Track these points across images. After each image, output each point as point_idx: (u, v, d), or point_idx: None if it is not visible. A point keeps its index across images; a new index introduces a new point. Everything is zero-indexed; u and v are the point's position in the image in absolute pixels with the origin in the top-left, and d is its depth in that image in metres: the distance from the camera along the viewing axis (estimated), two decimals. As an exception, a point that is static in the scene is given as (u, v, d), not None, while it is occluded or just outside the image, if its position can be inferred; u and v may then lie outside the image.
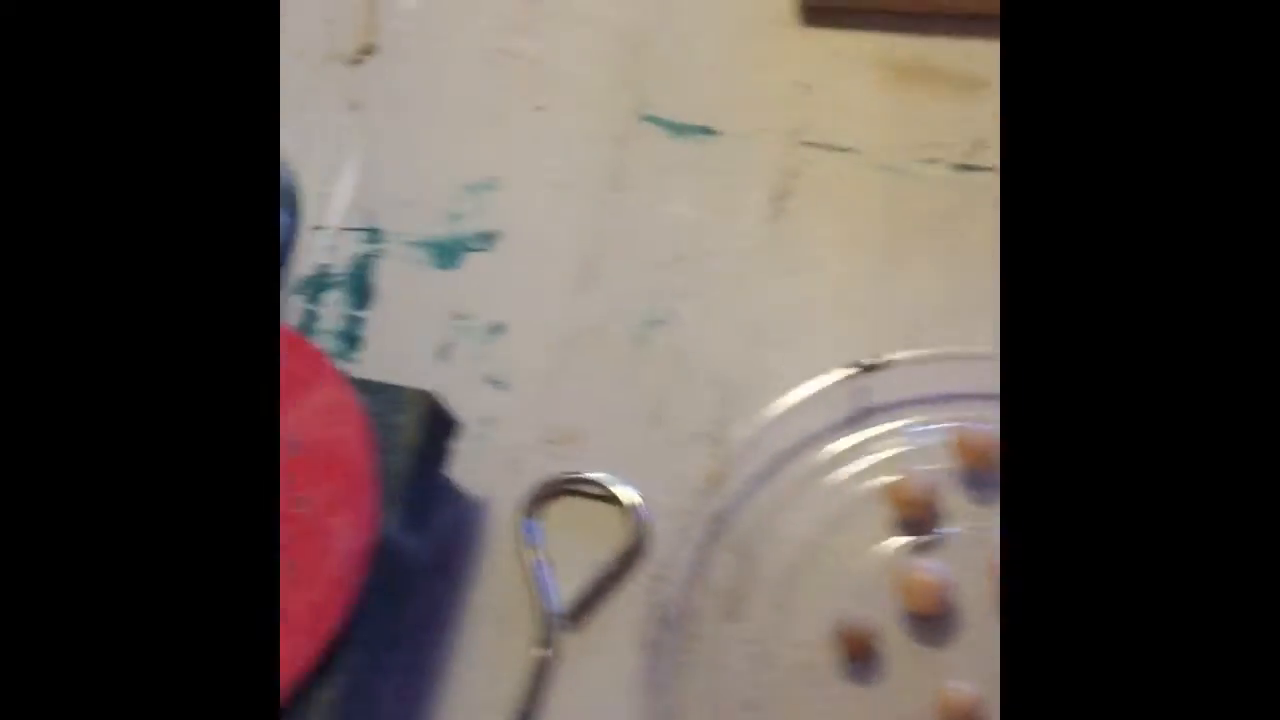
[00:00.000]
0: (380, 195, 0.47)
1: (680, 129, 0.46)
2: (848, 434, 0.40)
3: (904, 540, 0.38)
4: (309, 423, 0.37)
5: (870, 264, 0.43)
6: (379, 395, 0.38)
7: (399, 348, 0.45)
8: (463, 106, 0.48)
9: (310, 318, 0.45)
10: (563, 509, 0.41)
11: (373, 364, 0.44)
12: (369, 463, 0.37)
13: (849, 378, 0.40)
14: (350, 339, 0.45)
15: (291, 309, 0.46)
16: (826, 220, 0.43)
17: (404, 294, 0.46)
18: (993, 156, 0.43)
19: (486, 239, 0.46)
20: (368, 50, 0.50)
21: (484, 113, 0.48)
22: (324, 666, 0.35)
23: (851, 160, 0.44)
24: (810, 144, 0.45)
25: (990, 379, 0.38)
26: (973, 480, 0.39)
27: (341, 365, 0.41)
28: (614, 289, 0.44)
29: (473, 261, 0.46)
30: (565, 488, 0.41)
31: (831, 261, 0.43)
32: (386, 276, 0.46)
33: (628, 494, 0.40)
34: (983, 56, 0.44)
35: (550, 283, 0.45)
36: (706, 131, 0.46)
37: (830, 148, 0.44)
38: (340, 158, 0.48)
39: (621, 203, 0.45)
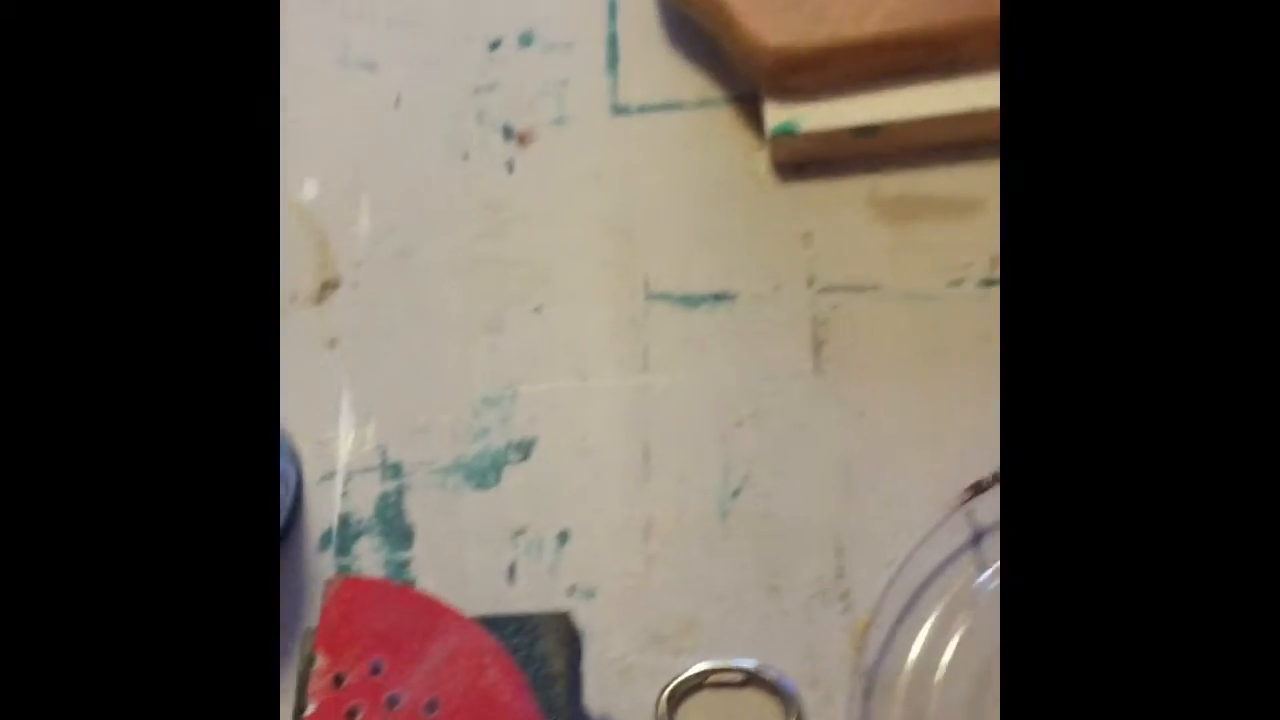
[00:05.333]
0: (389, 428, 0.44)
1: (693, 300, 0.45)
2: (973, 560, 0.39)
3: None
4: (449, 678, 0.33)
5: (929, 390, 0.42)
6: (511, 627, 0.34)
7: (459, 580, 0.41)
8: (454, 321, 0.46)
9: (346, 572, 0.41)
10: (701, 709, 0.38)
11: (435, 605, 0.40)
12: (528, 705, 0.33)
13: (964, 502, 0.39)
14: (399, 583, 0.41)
15: (322, 568, 0.41)
16: (871, 358, 0.43)
17: (447, 523, 0.42)
18: (1012, 267, 0.44)
19: (522, 448, 0.43)
20: (331, 285, 0.47)
21: (478, 324, 0.46)
22: None
23: (877, 296, 0.44)
24: (830, 289, 0.44)
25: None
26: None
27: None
28: (679, 469, 0.42)
29: (514, 474, 0.43)
30: (699, 683, 0.38)
31: (891, 395, 0.42)
32: (421, 510, 0.42)
33: (769, 672, 0.37)
34: (967, 178, 0.45)
35: (607, 478, 0.42)
36: (720, 298, 0.45)
37: (852, 288, 0.44)
38: (332, 399, 0.45)
39: (655, 383, 0.44)
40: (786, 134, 0.45)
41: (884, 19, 0.45)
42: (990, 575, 0.38)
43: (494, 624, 0.34)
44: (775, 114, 0.46)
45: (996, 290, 0.44)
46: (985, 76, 0.45)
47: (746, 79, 0.47)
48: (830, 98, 0.46)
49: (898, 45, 0.45)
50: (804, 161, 0.47)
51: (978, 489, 0.39)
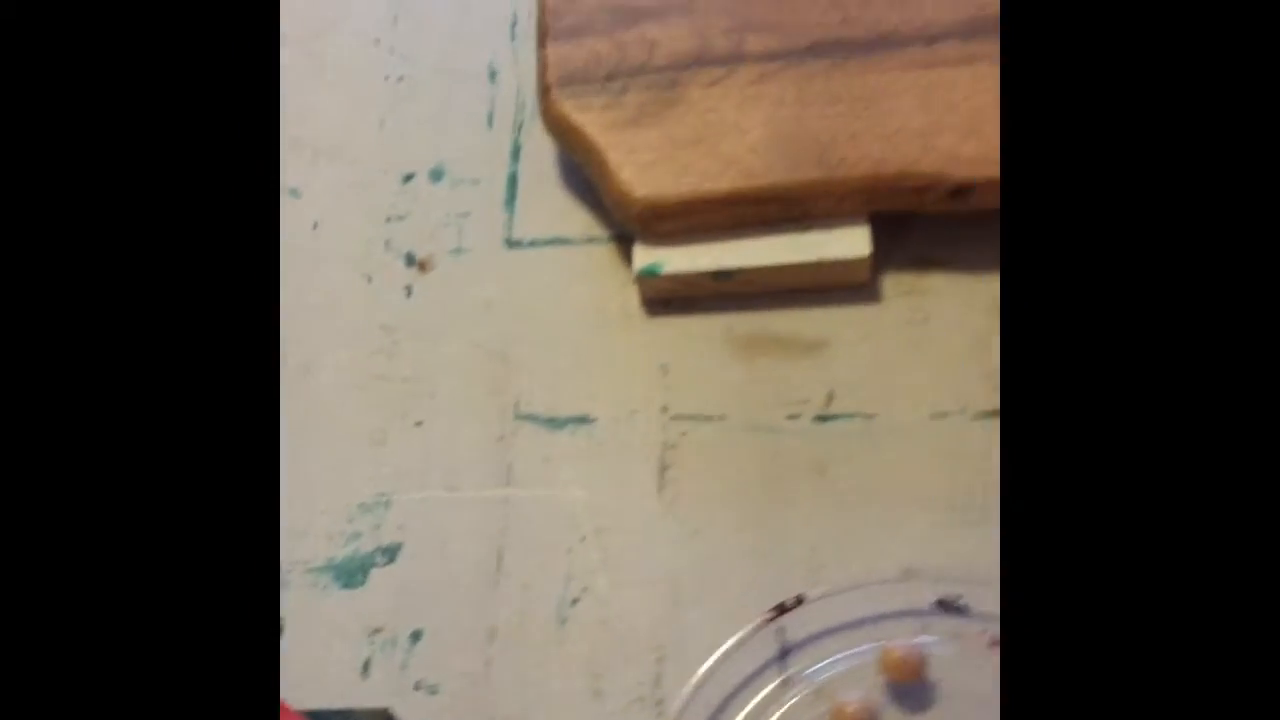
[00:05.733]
0: (273, 528, 0.48)
1: (557, 422, 0.49)
2: (779, 673, 0.42)
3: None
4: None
5: (760, 515, 0.46)
6: None
7: (318, 673, 0.45)
8: (343, 432, 0.50)
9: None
10: (520, 801, 0.41)
11: (293, 694, 0.44)
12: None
13: (767, 621, 0.43)
14: (266, 673, 0.44)
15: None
16: (711, 482, 0.47)
17: (314, 620, 0.46)
18: (846, 405, 0.48)
19: (389, 552, 0.47)
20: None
21: (364, 435, 0.50)
22: None
23: (721, 427, 0.48)
24: (680, 417, 0.49)
25: (895, 600, 0.42)
26: (904, 694, 0.42)
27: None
28: (526, 577, 0.46)
29: (379, 576, 0.47)
30: (519, 778, 0.42)
31: (725, 518, 0.46)
32: (293, 606, 0.46)
33: (583, 772, 0.41)
34: (814, 321, 0.50)
35: (462, 582, 0.46)
36: (581, 420, 0.49)
37: (699, 417, 0.49)
38: (225, 498, 0.49)
39: (515, 496, 0.48)
40: (651, 275, 0.50)
41: (740, 176, 0.50)
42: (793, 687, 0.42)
43: (317, 716, 0.38)
44: (642, 256, 0.51)
45: (829, 425, 0.48)
46: (830, 229, 0.50)
47: (621, 222, 0.52)
48: (692, 243, 0.50)
49: (752, 200, 0.49)
50: (668, 299, 0.51)
51: (781, 609, 0.43)
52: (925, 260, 0.51)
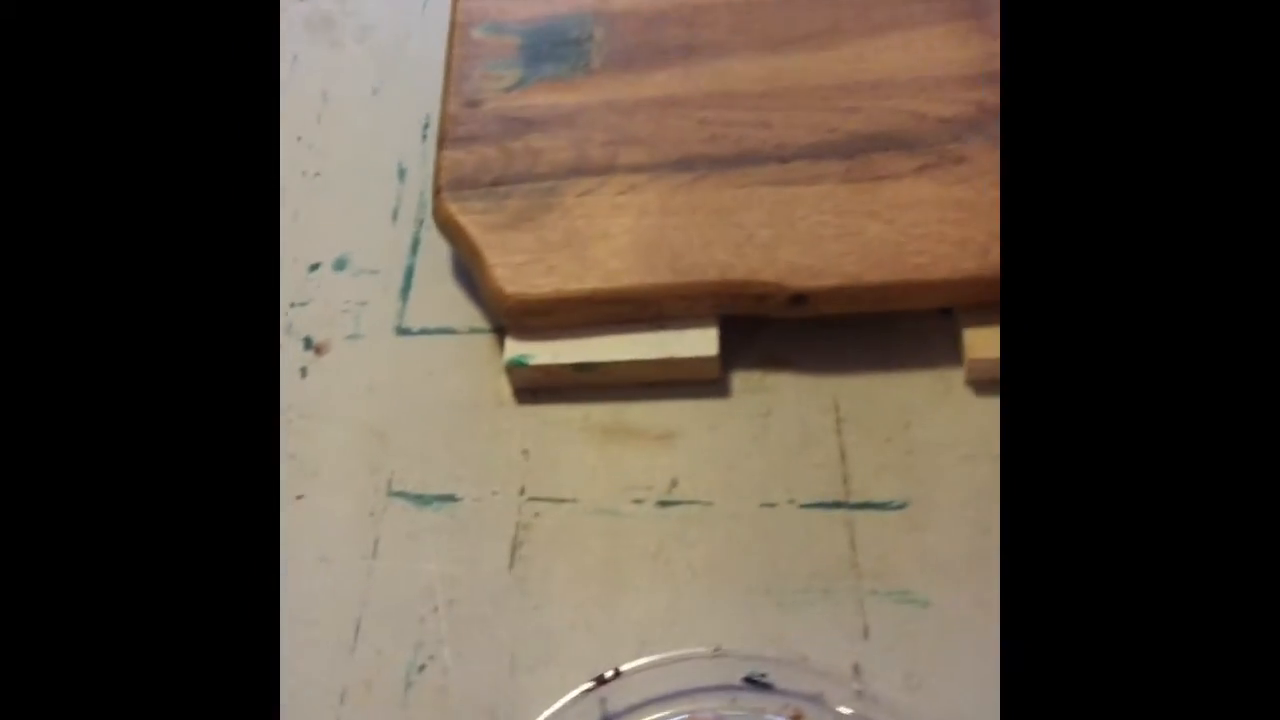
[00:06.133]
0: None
1: (425, 499, 0.54)
2: (598, 740, 0.46)
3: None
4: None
5: (598, 592, 0.50)
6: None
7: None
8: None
9: None
10: None
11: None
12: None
13: (588, 690, 0.47)
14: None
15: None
16: (558, 560, 0.51)
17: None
18: (687, 493, 0.52)
19: (260, 616, 0.51)
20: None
21: (249, 506, 0.54)
22: None
23: (572, 509, 0.52)
24: (536, 499, 0.53)
25: (707, 675, 0.46)
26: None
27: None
28: (380, 645, 0.50)
29: (249, 637, 0.51)
30: (352, 829, 0.45)
31: (567, 594, 0.50)
32: (168, 662, 0.50)
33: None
34: (666, 413, 0.54)
35: (322, 647, 0.50)
36: (448, 499, 0.53)
37: (553, 500, 0.53)
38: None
39: (379, 568, 0.52)
40: (519, 365, 0.55)
41: (602, 279, 0.54)
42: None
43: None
44: (512, 348, 0.55)
45: (668, 510, 0.52)
46: (682, 330, 0.54)
47: (495, 317, 0.57)
48: (557, 338, 0.55)
49: (611, 301, 0.54)
50: (535, 388, 0.56)
51: (600, 680, 0.47)
52: (772, 360, 0.55)
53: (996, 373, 0.52)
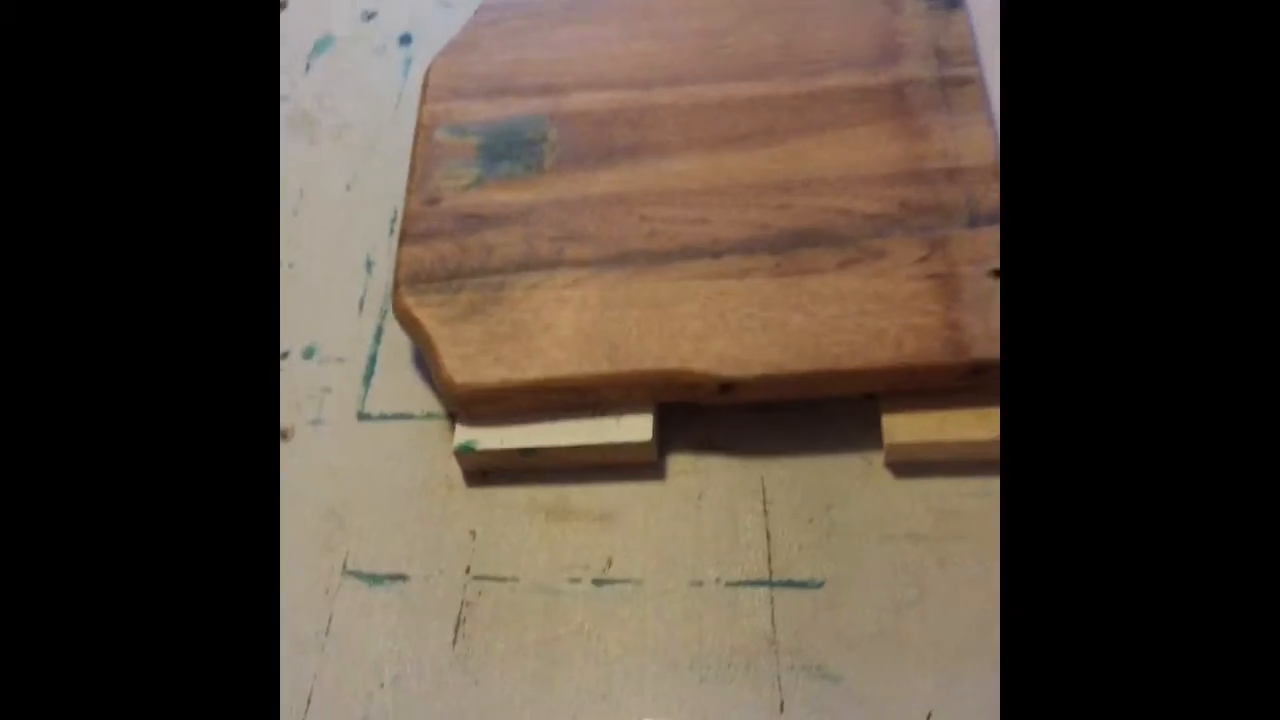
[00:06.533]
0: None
1: (377, 578, 0.57)
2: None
3: None
4: None
5: (535, 669, 0.53)
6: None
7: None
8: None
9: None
10: None
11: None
12: None
13: (520, 761, 0.49)
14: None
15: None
16: (498, 638, 0.54)
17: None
18: (621, 571, 0.55)
19: (219, 690, 0.54)
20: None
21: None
22: None
23: (513, 587, 0.55)
24: (480, 578, 0.56)
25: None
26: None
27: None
28: (330, 718, 0.53)
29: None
30: None
31: (505, 670, 0.53)
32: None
33: None
34: (606, 495, 0.57)
35: (274, 719, 0.53)
36: (397, 578, 0.57)
37: (496, 579, 0.56)
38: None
39: (330, 645, 0.55)
40: (467, 451, 0.58)
41: (544, 368, 0.58)
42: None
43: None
44: (461, 434, 0.58)
45: (603, 589, 0.55)
46: (619, 416, 0.57)
47: (445, 404, 0.60)
48: (503, 424, 0.58)
49: (553, 389, 0.57)
50: (485, 471, 0.59)
51: (528, 752, 0.49)
52: (706, 444, 0.58)
53: (914, 456, 0.55)
